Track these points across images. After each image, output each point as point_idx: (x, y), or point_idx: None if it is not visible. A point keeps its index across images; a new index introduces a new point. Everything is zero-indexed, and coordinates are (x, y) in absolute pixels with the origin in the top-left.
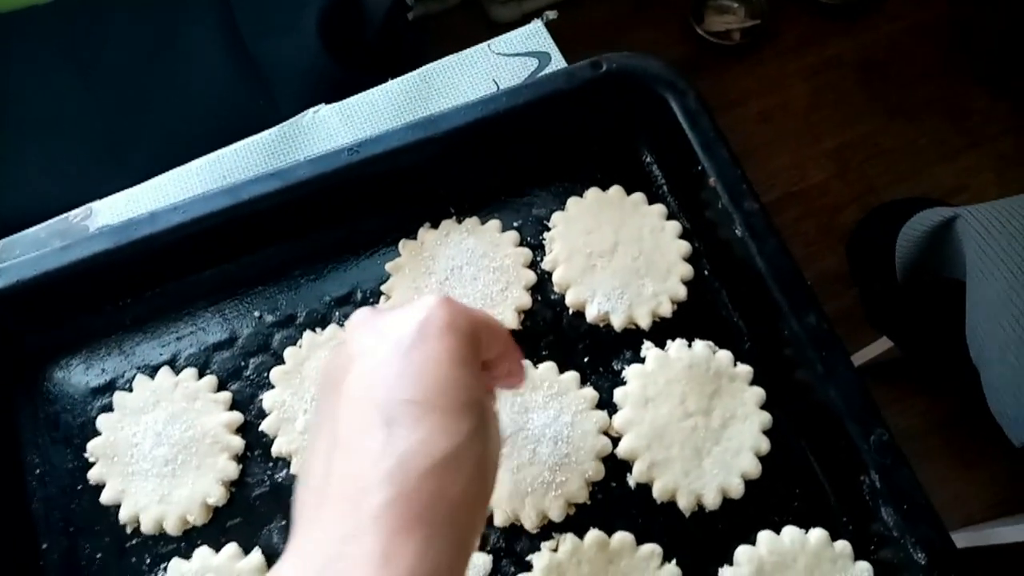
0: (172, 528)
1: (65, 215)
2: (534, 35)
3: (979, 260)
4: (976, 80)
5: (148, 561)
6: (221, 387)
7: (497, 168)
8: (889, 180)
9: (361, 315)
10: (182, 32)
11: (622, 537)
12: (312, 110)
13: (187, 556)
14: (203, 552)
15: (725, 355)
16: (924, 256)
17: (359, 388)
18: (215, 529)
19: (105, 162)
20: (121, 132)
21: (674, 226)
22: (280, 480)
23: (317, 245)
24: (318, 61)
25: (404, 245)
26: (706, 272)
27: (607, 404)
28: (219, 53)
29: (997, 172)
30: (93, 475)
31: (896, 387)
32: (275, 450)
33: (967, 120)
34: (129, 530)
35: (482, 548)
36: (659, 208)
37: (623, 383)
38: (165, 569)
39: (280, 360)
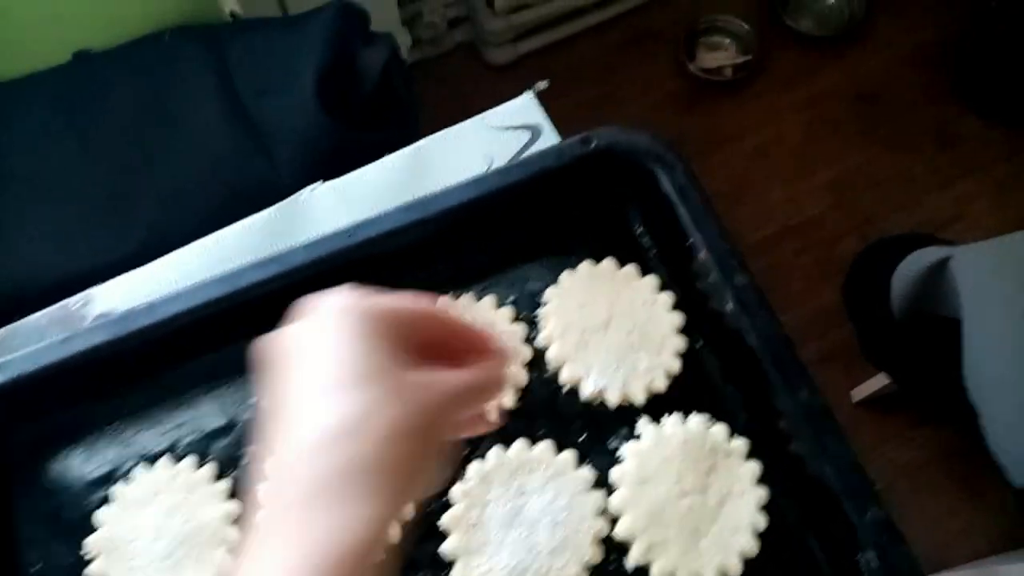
0: None
1: (64, 302)
2: (526, 108)
3: (973, 301)
4: (967, 107)
5: None
6: (221, 474)
7: (490, 243)
8: (885, 210)
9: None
10: (180, 95)
11: None
12: (309, 188)
13: None
14: None
15: (720, 429)
16: (919, 296)
17: (284, 389)
18: None
19: (106, 227)
20: (121, 197)
21: (666, 298)
22: None
23: None
24: (316, 121)
25: None
26: (700, 343)
27: (604, 483)
28: (217, 115)
29: (991, 199)
30: (92, 572)
31: (898, 419)
32: None
33: (960, 147)
34: None
35: None
36: (651, 280)
37: (619, 461)
38: None
39: None
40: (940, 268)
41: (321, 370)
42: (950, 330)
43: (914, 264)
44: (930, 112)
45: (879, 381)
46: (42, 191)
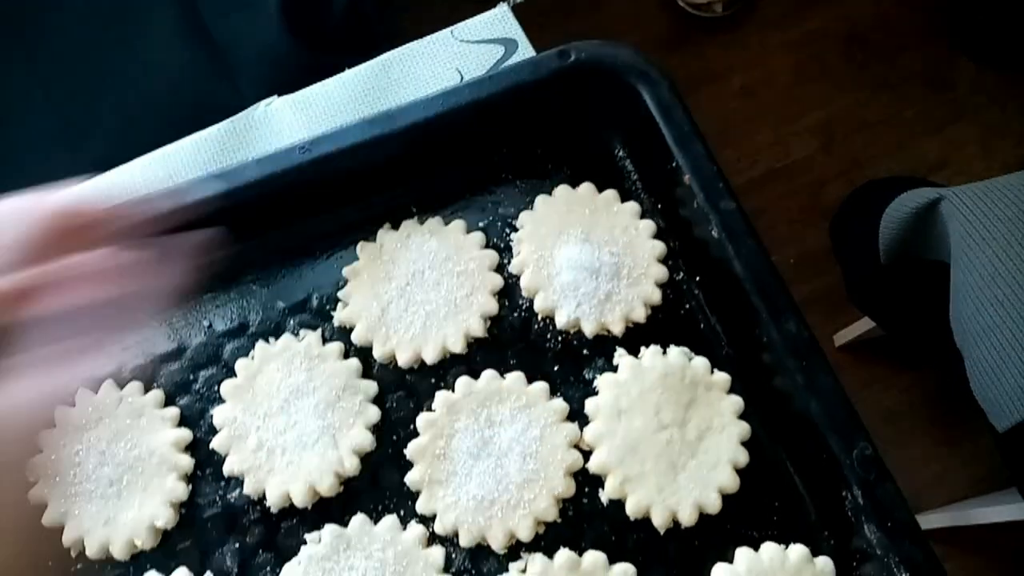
0: (119, 553)
1: None
2: (500, 21)
3: (963, 243)
4: (960, 50)
5: None
6: (169, 402)
7: (461, 164)
8: (874, 154)
9: None
10: (136, 12)
11: (594, 557)
12: (264, 102)
13: None
14: None
15: (701, 362)
16: (908, 238)
17: None
18: (164, 553)
19: (60, 150)
20: (76, 119)
21: (648, 225)
22: (233, 500)
23: (269, 248)
24: (280, 41)
25: (362, 248)
26: (682, 274)
27: (578, 415)
28: (177, 34)
29: (981, 144)
30: (33, 495)
31: (881, 364)
32: (227, 469)
33: (951, 91)
34: (73, 554)
35: (447, 570)
36: (632, 206)
37: (595, 393)
38: None
39: (231, 372)
40: (931, 210)
41: None
42: (937, 273)
43: (904, 205)
44: (922, 55)
45: (862, 326)
46: None
